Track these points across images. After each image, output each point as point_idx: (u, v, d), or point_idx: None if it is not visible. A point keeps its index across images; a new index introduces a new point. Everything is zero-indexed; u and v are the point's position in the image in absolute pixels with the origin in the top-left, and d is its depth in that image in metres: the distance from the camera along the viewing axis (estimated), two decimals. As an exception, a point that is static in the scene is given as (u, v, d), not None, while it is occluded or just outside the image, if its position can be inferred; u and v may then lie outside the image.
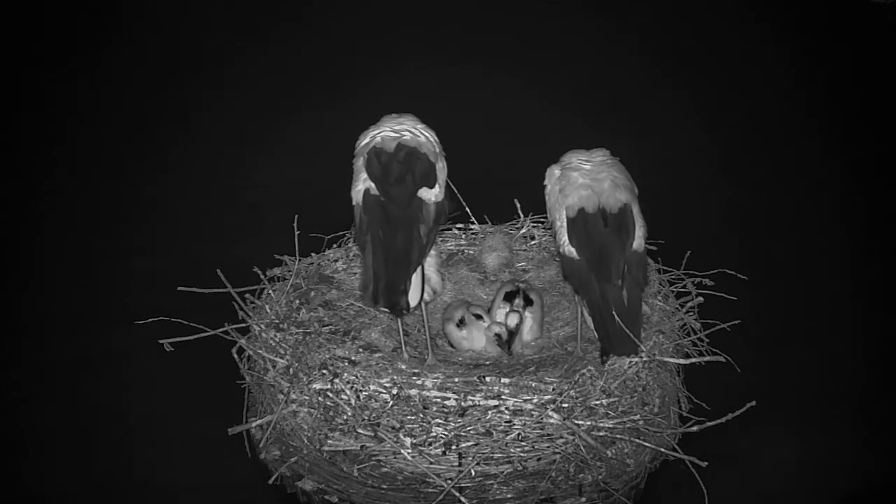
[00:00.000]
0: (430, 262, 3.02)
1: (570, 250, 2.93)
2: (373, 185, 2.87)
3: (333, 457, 2.98)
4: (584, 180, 2.98)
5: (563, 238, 2.96)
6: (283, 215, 3.61)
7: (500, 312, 3.29)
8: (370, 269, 2.81)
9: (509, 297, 3.33)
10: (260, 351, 3.12)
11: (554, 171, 3.08)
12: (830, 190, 5.35)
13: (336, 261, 3.62)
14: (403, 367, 2.92)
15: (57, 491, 3.27)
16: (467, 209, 3.80)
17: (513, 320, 3.20)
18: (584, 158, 3.08)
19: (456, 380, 2.85)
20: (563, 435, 2.84)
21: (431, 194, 2.89)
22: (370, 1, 8.22)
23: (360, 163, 2.95)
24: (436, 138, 3.04)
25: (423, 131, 3.01)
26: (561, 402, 2.83)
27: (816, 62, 7.13)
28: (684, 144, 5.81)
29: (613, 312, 2.84)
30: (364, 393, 2.87)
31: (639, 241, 2.93)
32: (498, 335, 3.18)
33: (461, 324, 3.24)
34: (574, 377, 2.87)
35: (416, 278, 2.84)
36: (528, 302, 3.30)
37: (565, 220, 2.95)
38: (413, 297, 2.84)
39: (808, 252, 4.70)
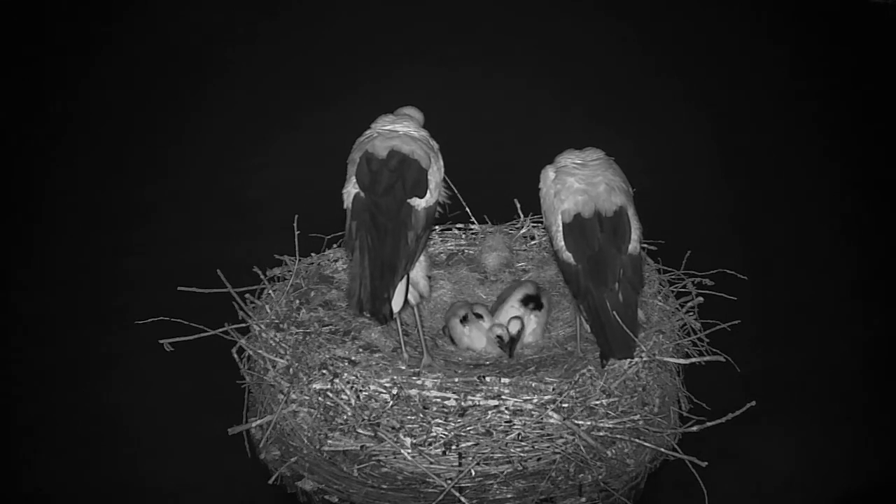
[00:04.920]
0: (419, 267, 2.97)
1: (567, 256, 2.93)
2: (361, 190, 2.86)
3: (333, 457, 2.98)
4: (580, 185, 2.97)
5: (560, 243, 2.96)
6: (283, 215, 3.62)
7: (511, 311, 3.27)
8: (356, 278, 2.80)
9: (526, 302, 3.31)
10: (260, 351, 3.12)
11: (549, 174, 3.07)
12: (830, 190, 5.35)
13: (336, 261, 3.62)
14: (403, 367, 2.92)
15: (57, 491, 3.27)
16: (467, 209, 3.81)
17: (514, 327, 3.19)
18: (579, 161, 3.07)
19: (456, 380, 2.85)
20: (563, 435, 2.84)
21: (422, 200, 2.86)
22: (370, 1, 8.23)
23: (352, 167, 2.93)
24: (430, 140, 3.01)
25: (416, 133, 2.97)
26: (561, 402, 2.83)
27: (816, 62, 7.13)
28: (685, 144, 5.81)
29: (612, 315, 2.84)
30: (364, 393, 2.87)
31: (634, 245, 2.93)
32: (499, 337, 3.18)
33: (465, 321, 3.24)
34: (574, 377, 2.87)
35: (400, 284, 2.82)
36: (539, 306, 3.30)
37: (561, 225, 2.95)
38: (396, 304, 2.82)
39: (808, 252, 4.70)
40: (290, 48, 7.36)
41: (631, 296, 2.89)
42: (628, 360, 2.91)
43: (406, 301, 2.88)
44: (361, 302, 2.79)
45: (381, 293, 2.78)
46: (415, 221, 2.83)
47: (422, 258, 2.97)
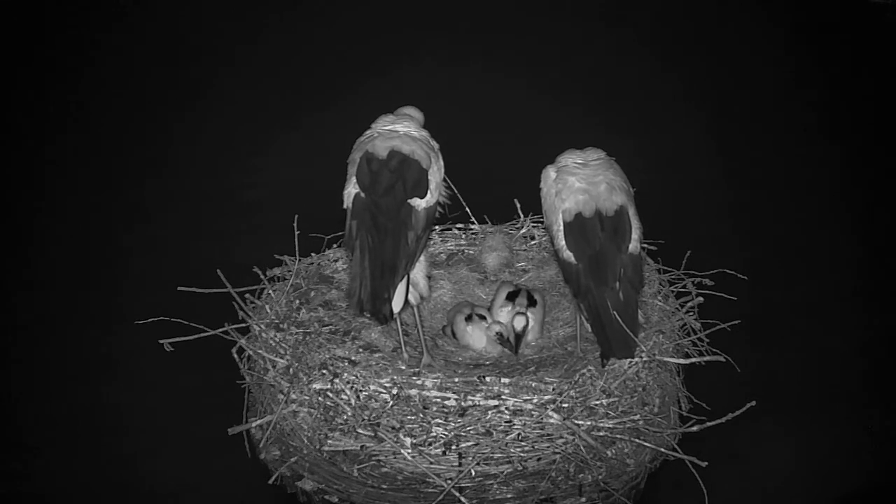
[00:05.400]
0: (419, 267, 2.98)
1: (567, 255, 2.94)
2: (361, 190, 2.86)
3: (333, 457, 2.98)
4: (581, 184, 2.97)
5: (561, 242, 2.96)
6: (283, 215, 3.62)
7: (503, 312, 3.28)
8: (356, 278, 2.80)
9: (511, 297, 3.33)
10: (260, 351, 3.12)
11: (550, 174, 3.07)
12: (830, 190, 5.35)
13: (336, 261, 3.62)
14: (403, 367, 2.92)
15: (57, 491, 3.27)
16: (467, 209, 3.81)
17: (520, 323, 3.19)
18: (580, 161, 3.07)
19: (456, 380, 2.85)
20: (563, 435, 2.84)
21: (422, 200, 2.86)
22: (370, 1, 8.23)
23: (352, 167, 2.93)
24: (430, 140, 3.02)
25: (417, 134, 2.98)
26: (561, 402, 2.83)
27: (816, 62, 7.13)
28: (685, 144, 5.82)
29: (612, 314, 2.84)
30: (364, 393, 2.87)
31: (634, 244, 2.93)
32: (499, 334, 3.18)
33: (469, 319, 3.24)
34: (574, 377, 2.86)
35: (401, 285, 2.82)
36: (532, 302, 3.30)
37: (562, 224, 2.95)
38: (396, 304, 2.82)
39: (808, 252, 4.70)
40: (290, 48, 7.37)
41: (631, 295, 2.89)
42: (628, 360, 2.91)
43: (406, 301, 2.88)
44: (362, 302, 2.79)
45: (381, 293, 2.78)
46: (415, 222, 2.83)
47: (422, 258, 2.97)
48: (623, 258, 2.89)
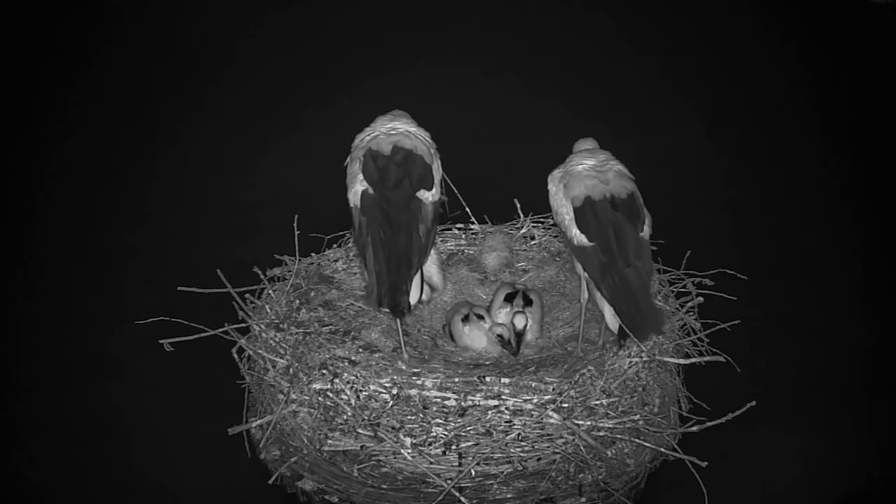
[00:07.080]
0: (431, 261, 3.02)
1: (580, 239, 2.88)
2: (369, 186, 2.89)
3: (333, 457, 2.98)
4: (589, 172, 2.96)
5: (573, 230, 2.90)
6: (283, 215, 3.62)
7: (501, 313, 3.28)
8: (373, 273, 2.82)
9: (509, 299, 3.32)
10: (260, 351, 3.12)
11: (555, 174, 3.06)
12: (830, 190, 5.35)
13: (336, 261, 3.62)
14: (403, 367, 2.92)
15: (57, 491, 3.27)
16: (467, 209, 3.81)
17: (520, 322, 3.18)
18: (587, 154, 3.07)
19: (456, 380, 2.85)
20: (563, 435, 2.84)
21: (429, 194, 2.92)
22: (370, 1, 8.23)
23: (355, 166, 2.95)
24: (429, 138, 3.06)
25: (416, 132, 3.03)
26: (561, 402, 2.83)
27: (816, 62, 7.13)
28: (685, 144, 5.81)
29: (636, 288, 2.79)
30: (364, 393, 2.87)
31: (647, 229, 2.91)
32: (500, 335, 3.17)
33: (466, 319, 3.24)
34: (574, 377, 2.87)
35: (416, 278, 2.86)
36: (528, 302, 3.30)
37: (572, 211, 2.92)
38: (412, 297, 2.87)
39: (808, 252, 4.70)
40: (290, 48, 7.36)
41: (647, 279, 2.85)
42: (628, 360, 2.91)
43: (420, 298, 2.91)
44: (380, 297, 2.80)
45: (398, 287, 2.80)
46: (424, 214, 2.88)
47: (432, 252, 3.00)
48: (639, 238, 2.85)
